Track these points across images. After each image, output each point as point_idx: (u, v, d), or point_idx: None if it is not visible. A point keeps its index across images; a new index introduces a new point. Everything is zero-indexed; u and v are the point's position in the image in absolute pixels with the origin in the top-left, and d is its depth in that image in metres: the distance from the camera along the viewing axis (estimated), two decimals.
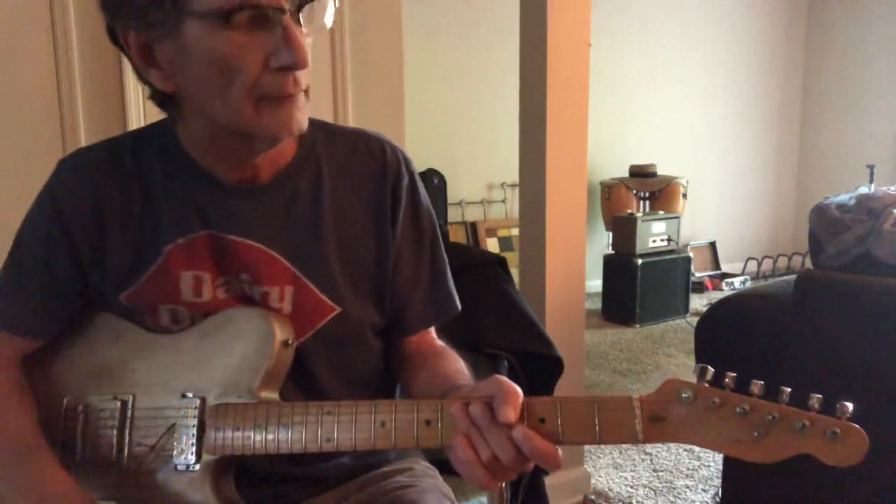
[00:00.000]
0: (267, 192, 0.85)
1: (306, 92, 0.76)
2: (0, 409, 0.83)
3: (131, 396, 0.84)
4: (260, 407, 0.77)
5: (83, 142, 2.32)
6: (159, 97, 0.80)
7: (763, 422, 0.62)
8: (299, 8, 0.72)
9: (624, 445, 2.53)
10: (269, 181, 0.86)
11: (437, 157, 4.39)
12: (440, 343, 0.97)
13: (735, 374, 0.63)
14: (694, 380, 0.66)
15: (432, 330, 0.98)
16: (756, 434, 0.62)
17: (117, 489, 0.82)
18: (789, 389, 0.62)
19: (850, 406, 0.61)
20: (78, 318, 0.89)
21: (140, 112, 2.36)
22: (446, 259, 0.97)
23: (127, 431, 0.83)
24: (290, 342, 0.82)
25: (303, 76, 0.74)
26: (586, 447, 2.48)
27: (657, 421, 0.65)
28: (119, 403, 0.83)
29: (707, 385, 0.64)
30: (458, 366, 0.88)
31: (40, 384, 0.88)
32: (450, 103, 4.48)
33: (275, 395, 0.81)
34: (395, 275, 0.91)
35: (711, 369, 0.64)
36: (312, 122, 0.90)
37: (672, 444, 2.54)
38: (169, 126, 0.86)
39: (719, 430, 0.63)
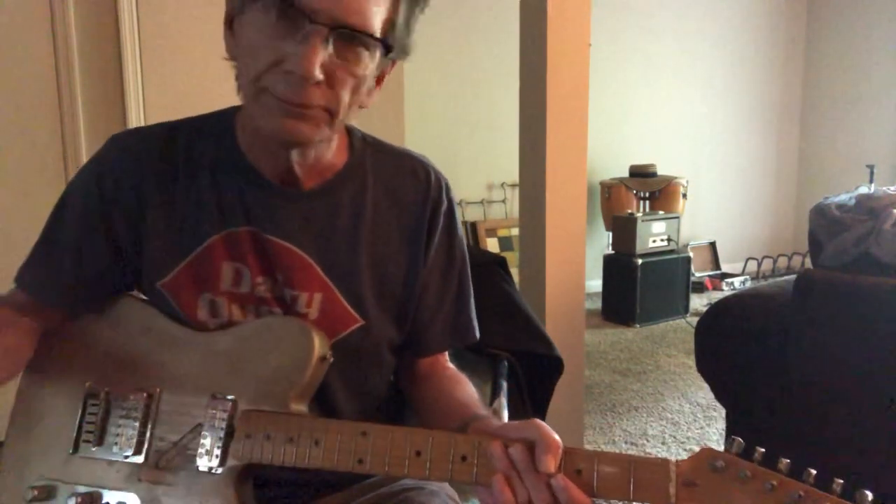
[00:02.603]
0: (311, 199, 0.87)
1: (329, 111, 0.76)
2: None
3: (157, 390, 0.83)
4: (293, 419, 0.77)
5: (83, 142, 2.33)
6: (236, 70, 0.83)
7: (788, 500, 0.64)
8: (339, 33, 0.72)
9: (623, 445, 2.53)
10: (315, 188, 0.87)
11: (437, 157, 4.35)
12: (452, 367, 0.99)
13: (763, 450, 0.66)
14: (713, 441, 0.68)
15: (446, 353, 0.99)
16: None
17: (130, 481, 0.81)
18: (815, 472, 0.64)
19: (869, 495, 0.63)
20: (109, 304, 0.89)
21: (140, 112, 2.37)
22: (472, 289, 0.99)
23: (150, 425, 0.82)
24: (326, 358, 0.82)
25: (318, 93, 0.74)
26: (586, 446, 2.48)
27: (689, 486, 0.66)
28: (144, 395, 0.83)
29: (737, 456, 0.66)
30: (473, 392, 0.90)
31: (63, 363, 0.87)
32: (450, 103, 4.48)
33: (304, 409, 0.80)
34: (420, 298, 0.93)
35: (741, 441, 0.66)
36: (364, 137, 0.93)
37: (671, 444, 2.54)
38: (230, 116, 0.88)
39: (745, 502, 0.65)
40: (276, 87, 0.73)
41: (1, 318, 0.82)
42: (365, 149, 0.92)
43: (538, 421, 0.69)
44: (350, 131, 0.92)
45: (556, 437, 0.68)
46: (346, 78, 0.75)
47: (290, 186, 0.86)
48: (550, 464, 0.66)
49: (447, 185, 0.96)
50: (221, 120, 0.88)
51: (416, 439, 0.72)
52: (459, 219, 0.98)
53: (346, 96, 0.76)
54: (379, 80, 0.83)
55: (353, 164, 0.90)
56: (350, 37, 0.73)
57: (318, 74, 0.72)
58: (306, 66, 0.71)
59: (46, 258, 0.88)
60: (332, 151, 0.88)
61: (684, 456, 2.43)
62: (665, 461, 0.67)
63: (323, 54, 0.72)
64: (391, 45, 0.77)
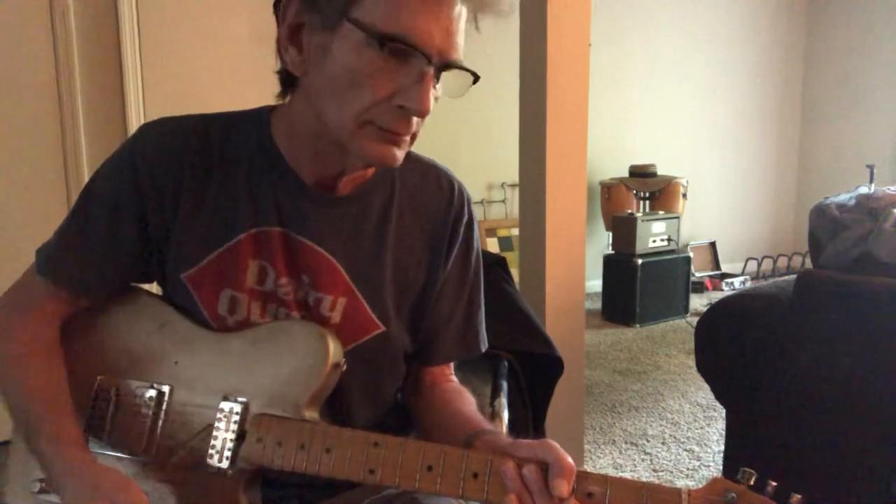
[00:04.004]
0: (342, 204, 0.88)
1: (413, 135, 0.79)
2: (33, 366, 0.84)
3: (169, 388, 0.83)
4: (305, 425, 0.77)
5: (83, 142, 2.33)
6: (284, 74, 0.82)
7: None
8: (442, 68, 0.75)
9: (623, 445, 2.53)
10: (347, 194, 0.88)
11: (437, 157, 4.34)
12: (455, 379, 1.00)
13: (776, 483, 0.66)
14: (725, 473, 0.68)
15: (452, 364, 1.00)
16: None
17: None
18: None
19: None
20: (124, 300, 0.89)
21: (140, 112, 2.37)
22: (483, 301, 1.00)
23: (160, 423, 0.82)
24: (340, 364, 0.82)
25: (416, 123, 0.77)
26: (586, 446, 2.48)
27: None
28: (155, 393, 0.82)
29: (749, 488, 0.66)
30: (475, 407, 0.92)
31: (76, 356, 0.87)
32: (450, 103, 4.45)
33: (316, 415, 0.81)
34: (433, 308, 0.94)
35: (754, 473, 0.66)
36: None
37: (671, 444, 2.54)
38: (265, 115, 0.88)
39: None
40: (384, 121, 0.75)
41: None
42: None
43: (551, 442, 0.70)
44: None
45: (570, 459, 0.68)
46: (433, 105, 0.78)
47: (325, 190, 0.86)
48: (564, 488, 0.67)
49: (469, 198, 0.98)
50: (256, 119, 0.88)
51: (428, 453, 0.72)
52: (478, 233, 1.00)
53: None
54: None
55: (383, 172, 0.91)
56: (448, 70, 0.76)
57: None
58: (425, 106, 0.74)
59: (78, 247, 0.86)
60: None
61: (685, 456, 2.43)
62: (678, 490, 0.67)
63: (435, 91, 0.75)
64: (478, 75, 0.80)
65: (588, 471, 0.69)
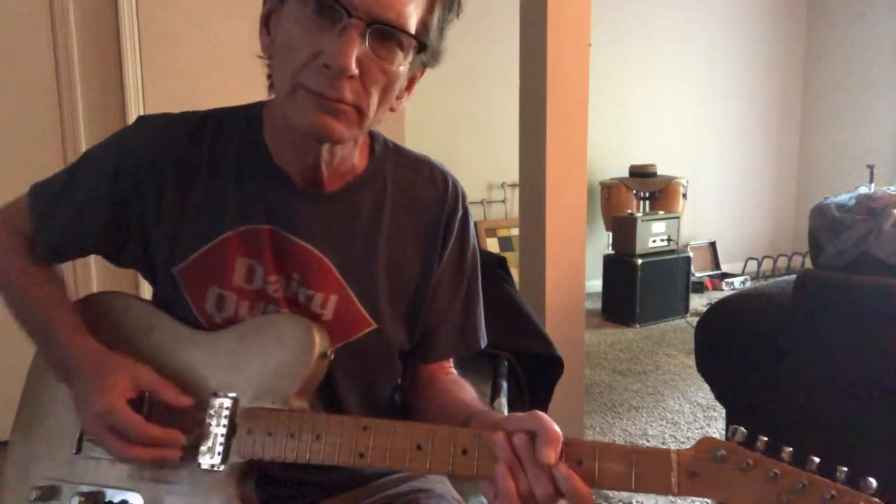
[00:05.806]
0: (332, 201, 0.87)
1: (359, 110, 0.76)
2: (32, 275, 0.91)
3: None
4: (294, 415, 0.77)
5: (83, 142, 2.33)
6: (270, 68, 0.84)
7: (792, 489, 0.63)
8: (373, 26, 0.73)
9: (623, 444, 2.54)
10: (336, 191, 0.88)
11: (437, 157, 4.36)
12: (455, 373, 0.99)
13: (766, 439, 0.66)
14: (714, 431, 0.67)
15: (451, 359, 1.00)
16: (783, 499, 0.64)
17: (133, 480, 0.81)
18: (818, 459, 0.64)
19: (873, 482, 0.62)
20: (113, 304, 0.90)
21: (140, 111, 2.37)
22: (481, 297, 1.00)
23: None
24: (327, 354, 0.82)
25: (351, 88, 0.74)
26: None
27: (692, 476, 0.66)
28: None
29: (739, 445, 0.66)
30: (474, 395, 0.91)
31: None
32: (450, 103, 4.48)
33: (306, 405, 0.81)
34: (430, 303, 0.94)
35: (744, 430, 0.66)
36: (385, 142, 0.94)
37: (671, 444, 2.54)
38: (258, 111, 0.88)
39: (748, 491, 0.65)
40: (311, 82, 0.74)
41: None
42: (386, 154, 0.93)
43: (539, 413, 0.69)
44: (372, 136, 0.93)
45: (557, 428, 0.68)
46: (378, 76, 0.75)
47: (313, 187, 0.86)
48: (550, 455, 0.67)
49: (463, 193, 0.98)
50: (249, 114, 0.89)
51: (416, 433, 0.73)
52: (474, 228, 1.00)
53: (376, 95, 0.77)
54: (409, 84, 0.84)
55: (373, 169, 0.91)
56: (386, 33, 0.74)
57: (354, 69, 0.72)
58: (343, 60, 0.71)
59: (56, 203, 0.90)
60: (355, 155, 0.88)
61: None
62: (666, 451, 0.67)
63: (359, 48, 0.72)
64: (425, 43, 0.78)
65: (577, 438, 0.69)
